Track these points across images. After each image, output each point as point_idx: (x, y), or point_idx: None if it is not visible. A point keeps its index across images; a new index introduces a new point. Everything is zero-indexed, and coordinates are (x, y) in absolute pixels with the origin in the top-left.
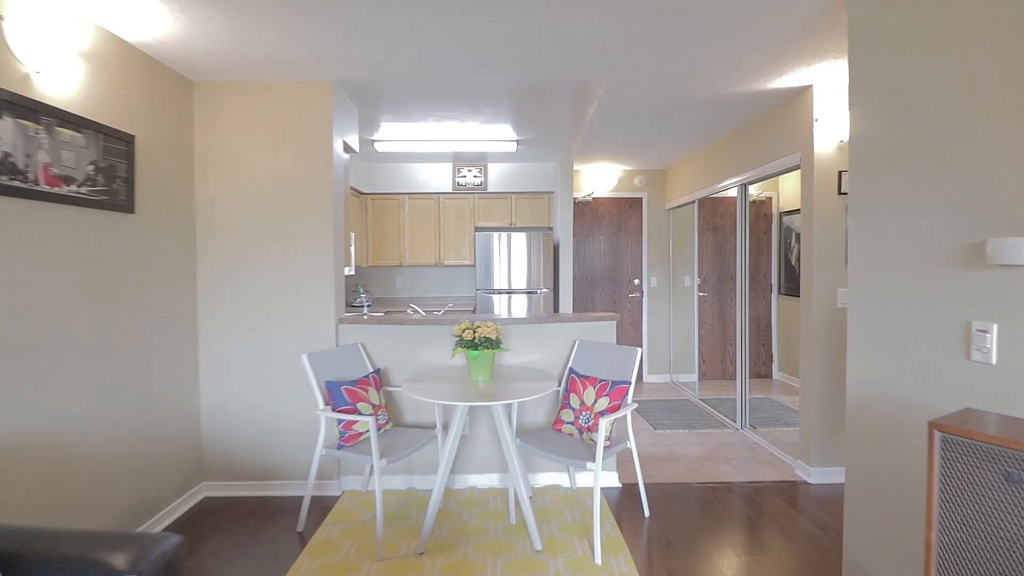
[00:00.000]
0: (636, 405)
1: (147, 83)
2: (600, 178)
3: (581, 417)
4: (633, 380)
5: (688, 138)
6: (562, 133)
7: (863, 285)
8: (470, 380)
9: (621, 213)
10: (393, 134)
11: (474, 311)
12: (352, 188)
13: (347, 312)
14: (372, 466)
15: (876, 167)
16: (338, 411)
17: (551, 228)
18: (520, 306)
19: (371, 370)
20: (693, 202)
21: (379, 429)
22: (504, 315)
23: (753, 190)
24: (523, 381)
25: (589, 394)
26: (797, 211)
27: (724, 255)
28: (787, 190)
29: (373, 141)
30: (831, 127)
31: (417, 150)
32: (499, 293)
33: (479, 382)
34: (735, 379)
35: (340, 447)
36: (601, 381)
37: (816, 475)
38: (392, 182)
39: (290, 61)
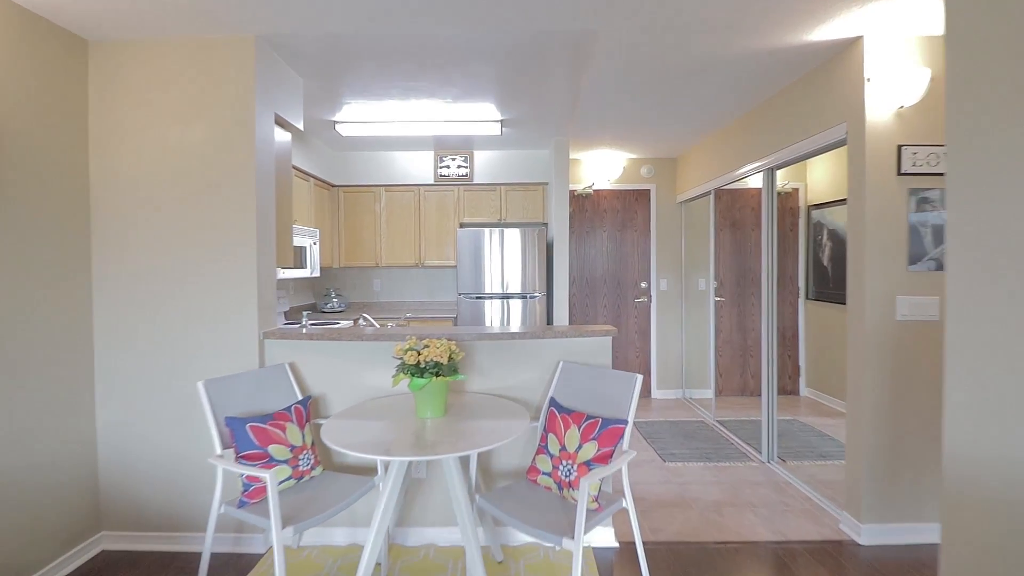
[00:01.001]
0: (633, 455)
1: (22, 43)
2: (602, 168)
3: (561, 468)
4: (631, 418)
5: (702, 116)
6: (555, 111)
7: (973, 292)
8: (416, 416)
9: (626, 207)
10: (358, 115)
11: (455, 321)
12: (319, 180)
13: (311, 321)
14: (291, 528)
15: (1000, 105)
16: (241, 457)
17: (546, 224)
18: (509, 313)
19: (298, 399)
20: (708, 193)
21: (300, 477)
22: (496, 325)
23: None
24: (487, 418)
25: (572, 436)
26: (830, 204)
27: (744, 254)
28: (817, 179)
29: (335, 123)
30: (888, 88)
31: (387, 134)
32: (485, 298)
33: (427, 419)
34: (761, 400)
35: (242, 504)
36: (589, 419)
37: (869, 534)
38: (366, 173)
39: (204, 9)
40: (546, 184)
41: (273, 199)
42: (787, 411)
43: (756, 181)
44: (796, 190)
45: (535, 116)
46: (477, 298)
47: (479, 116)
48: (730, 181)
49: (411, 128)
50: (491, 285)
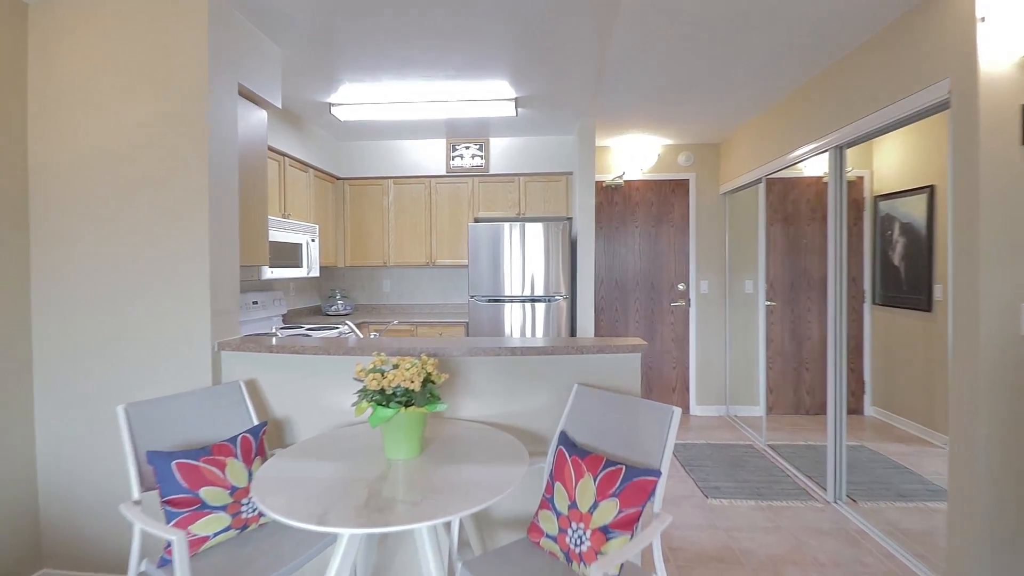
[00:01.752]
0: (670, 520)
1: None
2: (634, 155)
3: (570, 532)
4: (666, 467)
5: (752, 88)
6: (577, 86)
7: None
8: (385, 456)
9: (662, 199)
10: (356, 96)
11: (467, 327)
12: (321, 171)
13: (310, 325)
14: None
15: None
16: (165, 503)
17: (570, 218)
18: (528, 318)
19: (252, 425)
20: (757, 182)
21: (244, 527)
22: (513, 331)
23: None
24: (475, 462)
25: (586, 489)
26: (902, 193)
27: (799, 252)
28: (886, 165)
29: (331, 105)
30: (1008, 30)
31: (389, 117)
32: (500, 301)
33: (397, 461)
34: (826, 423)
35: (163, 563)
36: (609, 465)
37: None
38: (373, 164)
39: None
40: (570, 174)
41: (236, 186)
42: (851, 434)
43: (813, 168)
44: (860, 179)
45: (555, 93)
46: (491, 301)
47: (490, 95)
48: (783, 167)
49: (416, 111)
50: (507, 286)
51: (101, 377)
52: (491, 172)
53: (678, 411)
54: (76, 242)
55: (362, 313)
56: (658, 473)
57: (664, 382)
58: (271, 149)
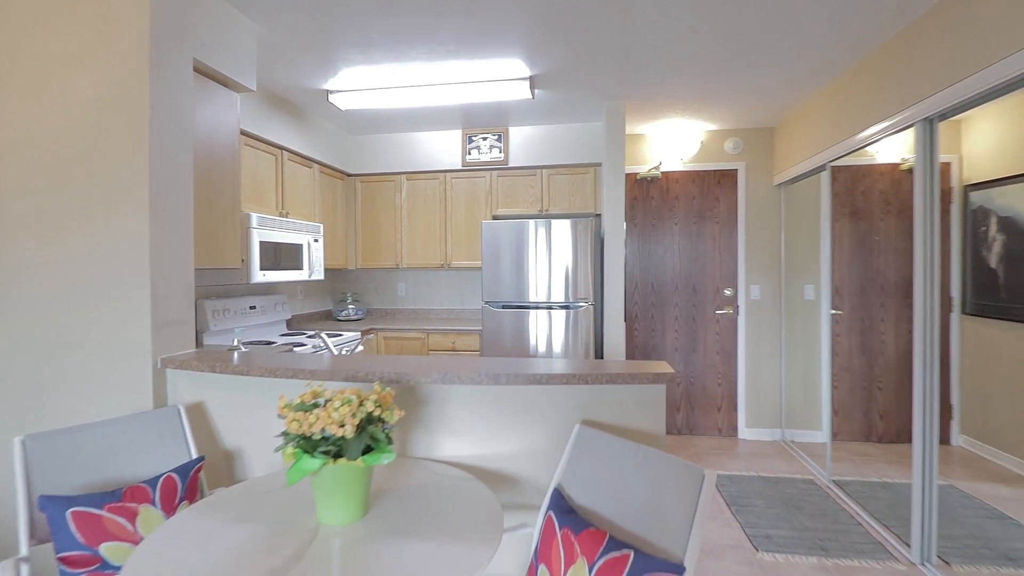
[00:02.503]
0: None
1: None
2: (672, 143)
3: None
4: (692, 559)
5: (816, 53)
6: (602, 60)
7: None
8: (316, 519)
9: (705, 192)
10: (354, 81)
11: (481, 337)
12: (328, 167)
13: (313, 331)
14: None
15: None
16: (60, 560)
17: (599, 215)
18: (548, 327)
19: (190, 459)
20: (820, 169)
21: None
22: (533, 341)
23: (908, 153)
24: (432, 535)
25: (579, 573)
26: (1002, 181)
27: (871, 252)
28: (980, 147)
29: (328, 93)
30: None
31: (392, 106)
32: (517, 308)
33: (330, 528)
34: (912, 459)
35: None
36: (613, 549)
37: None
38: (385, 159)
39: None
40: (598, 166)
41: (189, 176)
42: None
43: (888, 154)
44: (947, 165)
45: (576, 70)
46: (506, 307)
47: (502, 74)
48: (852, 149)
49: (421, 96)
50: (525, 291)
51: (22, 400)
52: (511, 165)
53: (711, 476)
54: (23, 238)
55: (375, 318)
56: (681, 569)
57: (708, 400)
58: (265, 142)
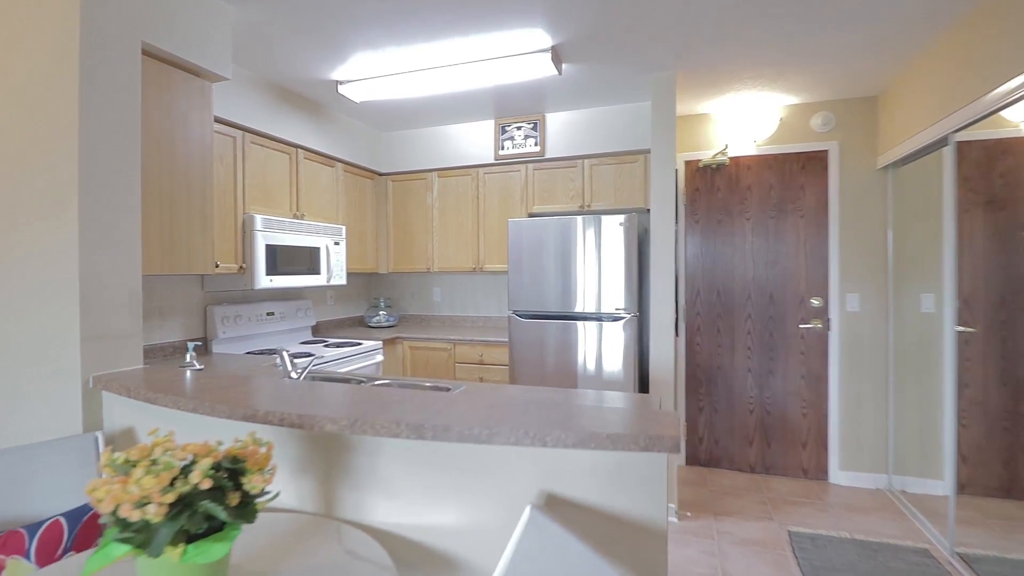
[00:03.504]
0: None
1: None
2: (743, 122)
3: None
4: None
5: None
6: (639, 15)
7: None
8: None
9: (786, 180)
10: (363, 69)
11: (510, 351)
12: (356, 166)
13: (339, 340)
14: None
15: None
16: None
17: (648, 210)
18: (583, 341)
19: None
20: (941, 143)
21: None
22: (566, 357)
23: None
24: None
25: None
26: None
27: (1017, 253)
28: None
29: (338, 84)
30: None
31: (407, 95)
32: (548, 319)
33: None
34: None
35: None
36: None
37: None
38: (416, 156)
39: None
40: (649, 152)
41: (134, 175)
42: None
43: None
44: None
45: (611, 32)
46: (534, 318)
47: (514, 46)
48: (985, 113)
49: (435, 81)
50: (557, 299)
51: None
52: (548, 156)
53: None
54: None
55: (408, 325)
56: None
57: (790, 433)
58: (275, 139)
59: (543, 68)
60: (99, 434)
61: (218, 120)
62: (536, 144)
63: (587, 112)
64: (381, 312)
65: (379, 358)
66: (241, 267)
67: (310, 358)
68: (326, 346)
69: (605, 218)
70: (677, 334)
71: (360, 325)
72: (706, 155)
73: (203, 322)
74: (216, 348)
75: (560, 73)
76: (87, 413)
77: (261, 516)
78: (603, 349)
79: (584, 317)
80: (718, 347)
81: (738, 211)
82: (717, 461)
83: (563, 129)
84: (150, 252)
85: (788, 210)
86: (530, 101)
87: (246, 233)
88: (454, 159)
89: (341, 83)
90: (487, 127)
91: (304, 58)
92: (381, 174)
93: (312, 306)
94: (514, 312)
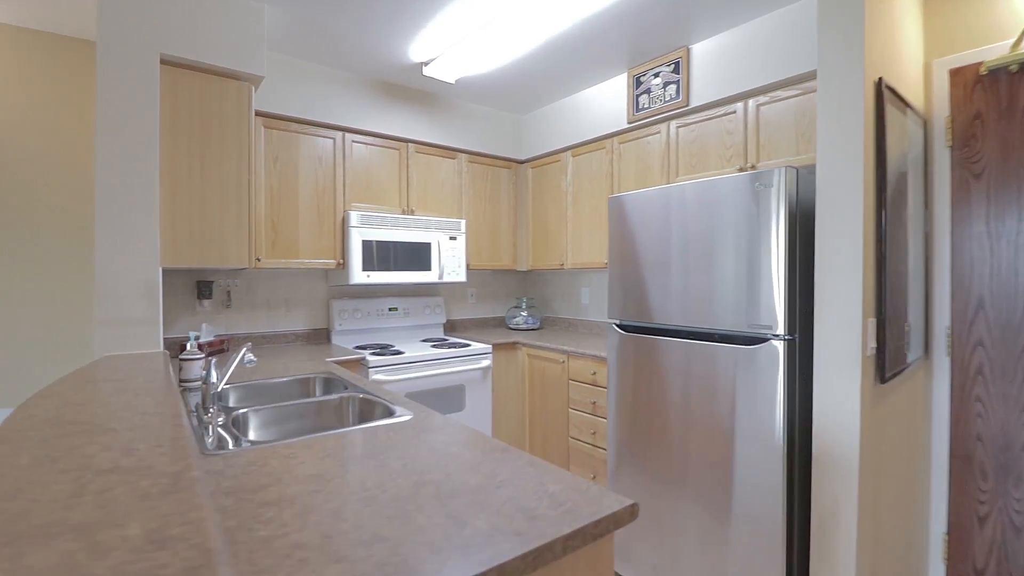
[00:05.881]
0: None
1: None
2: None
3: None
4: None
5: None
6: None
7: None
8: None
9: None
10: (437, 42)
11: (608, 373)
12: (487, 156)
13: (462, 338)
14: None
15: None
16: None
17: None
18: (713, 370)
19: None
20: None
21: None
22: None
23: None
24: None
25: None
26: None
27: None
28: None
29: (422, 65)
30: None
31: (499, 58)
32: (654, 334)
33: None
34: None
35: None
36: None
37: None
38: (550, 135)
39: None
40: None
41: (153, 174)
42: None
43: None
44: None
45: None
46: (638, 332)
47: None
48: None
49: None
50: (682, 308)
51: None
52: (694, 104)
53: None
54: None
55: (551, 329)
56: None
57: None
58: (379, 135)
59: None
60: None
61: (317, 123)
62: (678, 92)
63: (746, 29)
64: (522, 313)
65: (486, 363)
66: (339, 263)
67: (453, 349)
68: (433, 345)
69: (735, 178)
70: (884, 379)
71: (501, 326)
72: (996, 49)
73: (327, 314)
74: (334, 340)
75: None
76: None
77: None
78: (737, 387)
79: (710, 334)
80: (1017, 400)
81: None
82: None
83: (714, 62)
84: (178, 247)
85: None
86: (670, 27)
87: (345, 230)
88: (588, 131)
89: (425, 64)
90: (620, 84)
91: (373, 40)
92: (521, 161)
93: (443, 304)
94: (613, 323)
